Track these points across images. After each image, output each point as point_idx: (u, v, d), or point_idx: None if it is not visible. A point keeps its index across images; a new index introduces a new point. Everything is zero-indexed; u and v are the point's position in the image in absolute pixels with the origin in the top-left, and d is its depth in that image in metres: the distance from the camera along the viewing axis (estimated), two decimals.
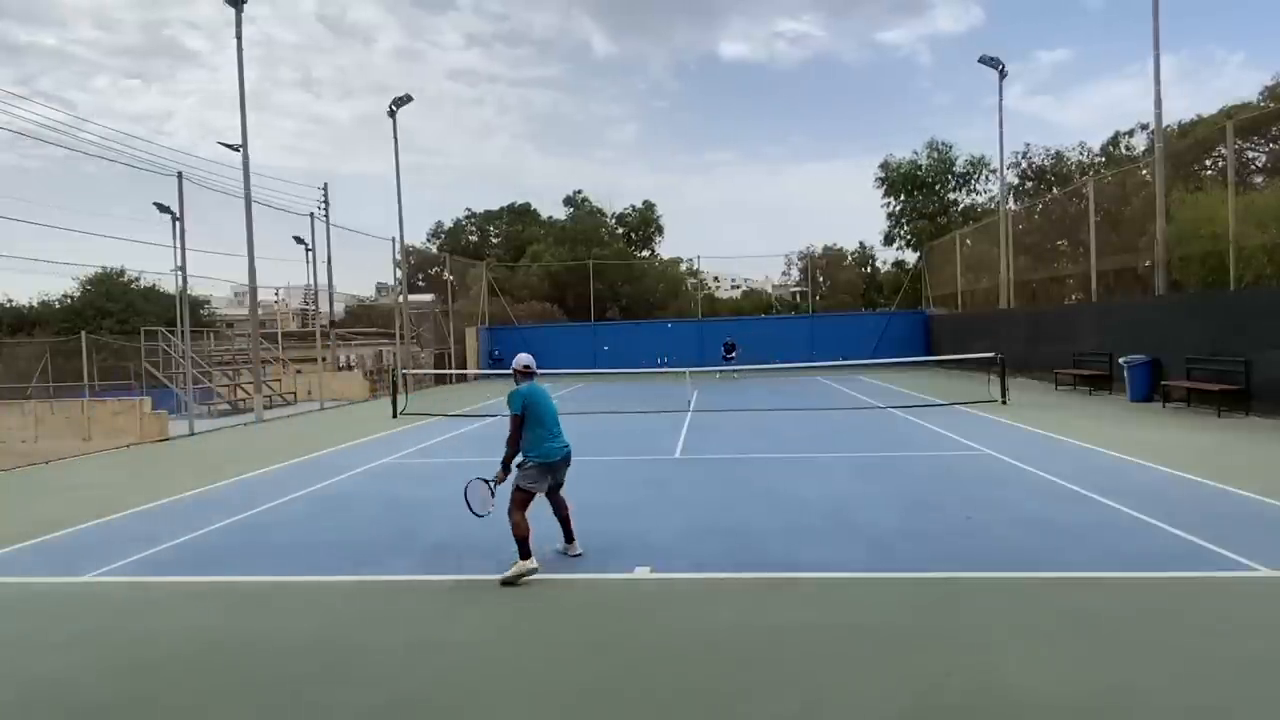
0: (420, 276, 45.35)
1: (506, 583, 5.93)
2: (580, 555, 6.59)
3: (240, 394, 23.34)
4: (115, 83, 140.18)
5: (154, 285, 37.71)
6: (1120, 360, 17.71)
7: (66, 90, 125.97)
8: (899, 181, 44.26)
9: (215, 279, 34.04)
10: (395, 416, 18.81)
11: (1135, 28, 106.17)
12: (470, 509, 6.30)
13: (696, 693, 4.13)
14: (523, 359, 6.71)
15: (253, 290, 21.70)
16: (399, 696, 4.21)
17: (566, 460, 6.53)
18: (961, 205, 43.76)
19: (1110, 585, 5.60)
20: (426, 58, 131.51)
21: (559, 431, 6.50)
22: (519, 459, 6.32)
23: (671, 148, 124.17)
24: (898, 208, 44.77)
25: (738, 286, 68.75)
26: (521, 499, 6.21)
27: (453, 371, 31.84)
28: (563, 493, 6.66)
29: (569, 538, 6.70)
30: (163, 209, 20.72)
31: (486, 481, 6.37)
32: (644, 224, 51.82)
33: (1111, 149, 36.26)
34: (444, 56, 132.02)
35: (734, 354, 29.95)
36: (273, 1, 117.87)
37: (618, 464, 11.48)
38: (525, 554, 6.05)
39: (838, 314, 39.98)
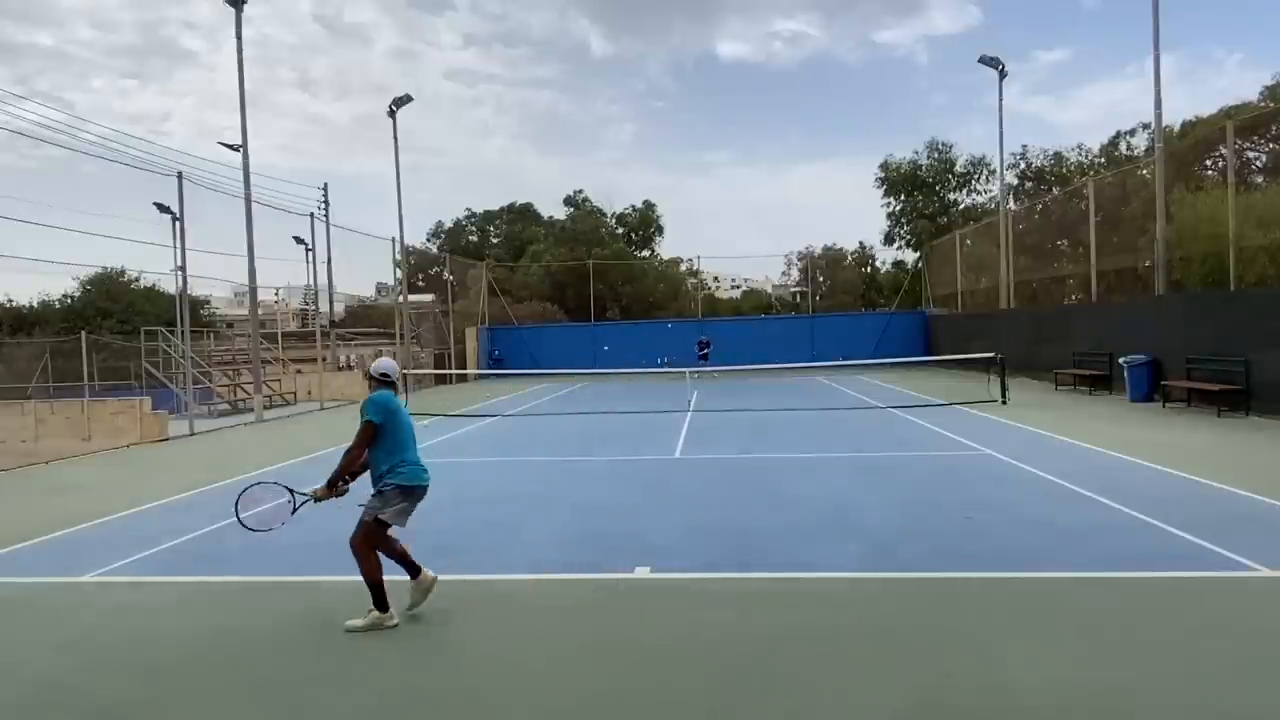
0: (420, 277, 45.34)
1: (351, 631, 5.08)
2: (434, 579, 5.43)
3: (240, 394, 23.33)
4: (113, 83, 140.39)
5: (154, 285, 37.73)
6: (1120, 360, 17.71)
7: (64, 90, 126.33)
8: (899, 181, 44.29)
9: (215, 279, 33.99)
10: None
11: (1133, 27, 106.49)
12: (239, 519, 5.39)
13: (696, 693, 4.13)
14: (383, 364, 5.66)
15: (253, 290, 21.70)
16: (399, 696, 4.21)
17: (426, 489, 5.49)
18: (962, 205, 43.80)
19: (1110, 585, 5.60)
20: (424, 58, 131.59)
21: (418, 454, 5.52)
22: (381, 484, 5.33)
23: (670, 148, 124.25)
24: (898, 208, 44.81)
25: (738, 286, 68.72)
26: (379, 534, 5.26)
27: (453, 371, 31.85)
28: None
29: (414, 570, 5.41)
30: (163, 209, 20.71)
31: (293, 492, 5.48)
32: (644, 224, 51.80)
33: (1112, 149, 36.29)
34: (441, 56, 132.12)
35: (708, 350, 30.13)
36: (270, 1, 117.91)
37: (618, 464, 11.48)
38: (383, 603, 5.13)
39: (838, 314, 39.98)
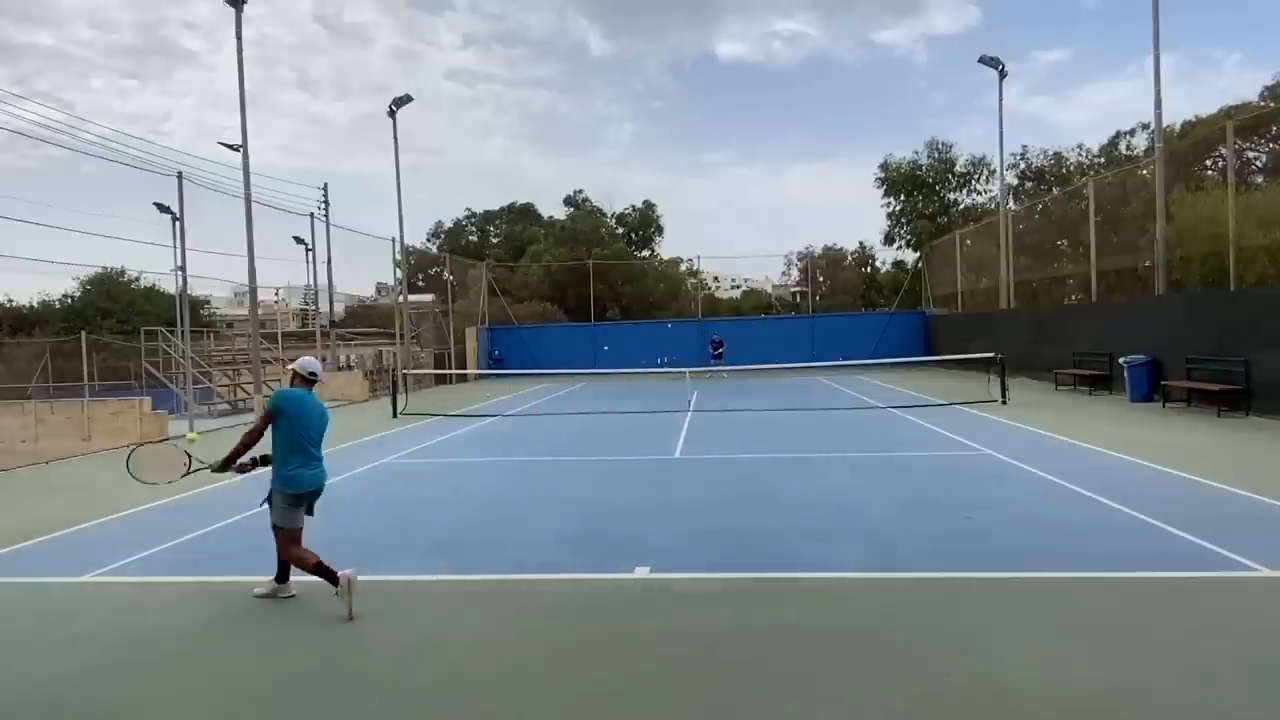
0: (420, 277, 45.35)
1: (350, 619, 5.18)
2: (293, 596, 5.69)
3: (240, 394, 23.34)
4: (112, 83, 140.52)
5: (154, 285, 37.74)
6: (1120, 360, 17.70)
7: (64, 90, 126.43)
8: (899, 181, 44.28)
9: (215, 279, 33.99)
10: (395, 416, 18.82)
11: (1132, 27, 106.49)
12: (130, 471, 5.65)
13: (696, 693, 4.13)
14: (306, 363, 5.70)
15: (253, 290, 21.70)
16: (399, 696, 4.21)
17: (317, 492, 5.61)
18: (962, 205, 43.79)
19: (1110, 585, 5.60)
20: (424, 58, 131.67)
21: (319, 456, 5.55)
22: (272, 487, 5.49)
23: (669, 148, 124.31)
24: (898, 208, 44.80)
25: (738, 286, 68.70)
26: (288, 537, 5.45)
27: (453, 371, 31.85)
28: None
29: (284, 576, 5.70)
30: (163, 209, 20.74)
31: (190, 456, 5.74)
32: (644, 224, 51.82)
33: (1112, 149, 36.30)
34: (441, 56, 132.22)
35: (721, 350, 30.56)
36: (270, 1, 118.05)
37: (618, 464, 11.48)
38: (333, 575, 5.27)
39: (838, 314, 39.97)
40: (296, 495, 5.47)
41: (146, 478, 5.77)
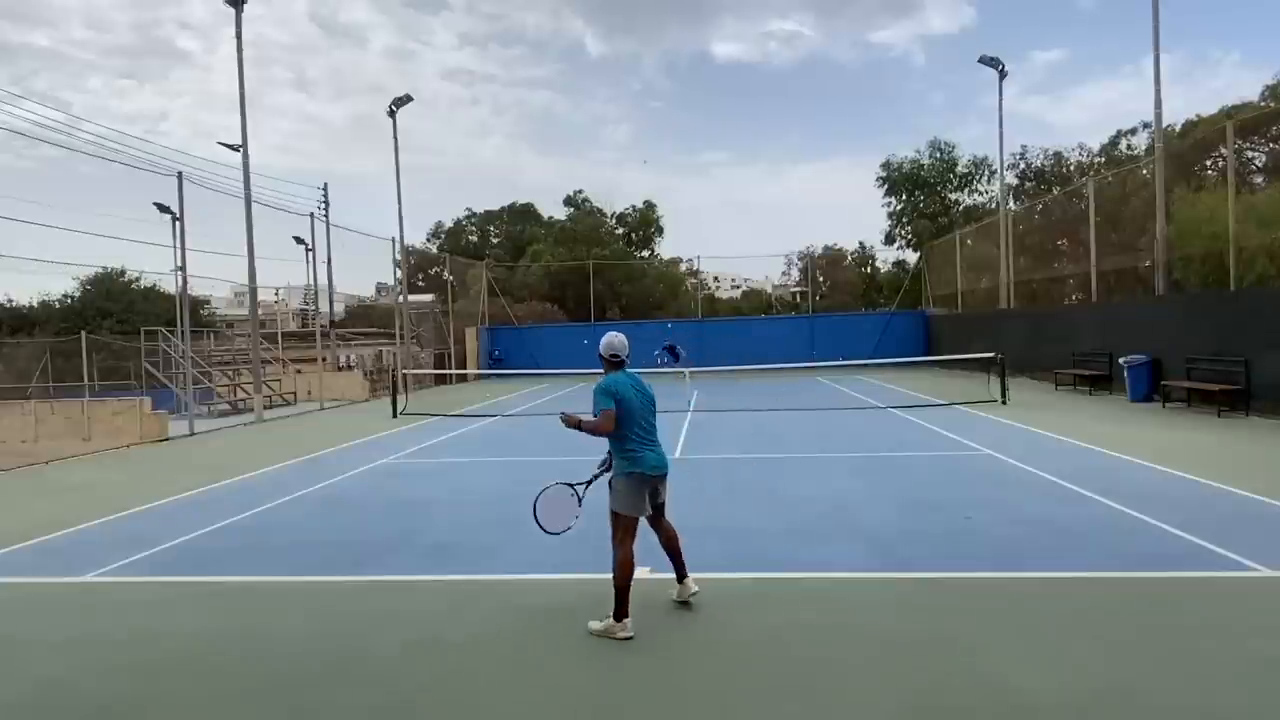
0: (420, 276, 45.36)
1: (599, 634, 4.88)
2: (696, 594, 5.32)
3: (240, 394, 23.34)
4: (109, 83, 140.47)
5: (154, 285, 37.69)
6: (1120, 360, 17.71)
7: (60, 90, 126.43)
8: (900, 181, 44.28)
9: (215, 279, 33.96)
10: (395, 417, 18.82)
11: (1129, 27, 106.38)
12: (539, 524, 5.20)
13: (696, 694, 4.13)
14: (608, 342, 5.42)
15: (253, 290, 21.70)
16: (399, 696, 4.21)
17: (664, 475, 5.26)
18: (963, 205, 43.78)
19: (1110, 585, 5.60)
20: (420, 58, 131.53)
21: (655, 438, 5.25)
22: (610, 474, 5.24)
23: (668, 148, 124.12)
24: (899, 207, 44.79)
25: (738, 286, 68.71)
26: (627, 527, 5.09)
27: (453, 371, 31.85)
28: (668, 515, 5.36)
29: (680, 574, 5.36)
30: (163, 209, 20.74)
31: (573, 486, 5.34)
32: (644, 224, 51.83)
33: (1111, 149, 36.32)
34: (438, 56, 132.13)
35: (666, 352, 29.91)
36: (266, 1, 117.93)
37: None
38: (623, 611, 4.87)
39: (838, 314, 39.96)
40: (645, 477, 5.18)
41: (554, 527, 5.29)
